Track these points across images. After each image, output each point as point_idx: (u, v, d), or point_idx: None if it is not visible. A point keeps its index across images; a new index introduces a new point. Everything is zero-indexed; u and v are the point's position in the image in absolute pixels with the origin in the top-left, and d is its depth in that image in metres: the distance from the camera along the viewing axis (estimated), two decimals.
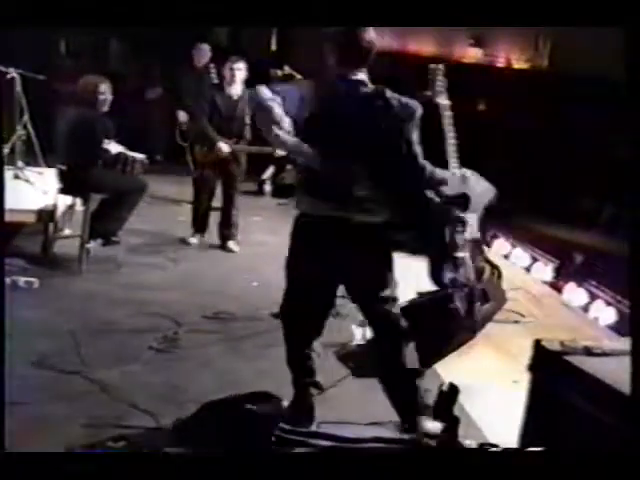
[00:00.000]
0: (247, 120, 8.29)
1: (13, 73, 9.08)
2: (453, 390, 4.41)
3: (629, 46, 3.20)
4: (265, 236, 8.74)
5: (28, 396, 4.81)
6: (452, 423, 4.31)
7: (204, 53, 10.89)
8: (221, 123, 8.33)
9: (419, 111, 4.31)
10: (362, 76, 4.38)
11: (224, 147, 8.26)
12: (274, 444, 4.19)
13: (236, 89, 8.38)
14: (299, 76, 8.77)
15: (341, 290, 5.67)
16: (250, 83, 8.32)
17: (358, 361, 5.54)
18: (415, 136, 4.31)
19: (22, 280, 6.79)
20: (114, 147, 7.55)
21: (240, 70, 8.33)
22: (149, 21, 3.58)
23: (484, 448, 3.93)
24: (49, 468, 3.18)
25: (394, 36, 12.82)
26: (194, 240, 8.63)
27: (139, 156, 7.86)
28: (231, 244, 8.47)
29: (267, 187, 11.54)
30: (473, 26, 10.16)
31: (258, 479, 3.13)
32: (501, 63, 10.33)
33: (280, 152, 7.83)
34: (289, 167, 10.91)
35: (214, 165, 8.40)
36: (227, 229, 8.50)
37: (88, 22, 3.61)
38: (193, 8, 3.53)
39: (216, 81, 9.21)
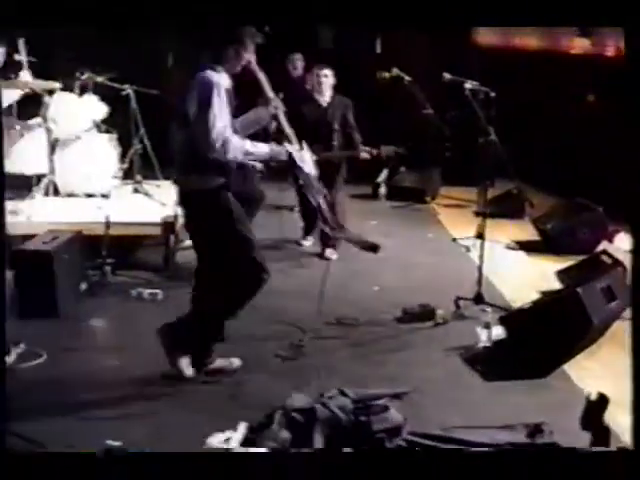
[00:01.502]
0: (336, 126, 8.32)
1: (128, 89, 9.29)
2: (602, 400, 4.27)
3: (629, 46, 3.15)
4: (381, 239, 8.71)
5: (155, 407, 4.95)
6: (602, 434, 4.18)
7: (298, 63, 10.87)
8: (309, 131, 8.35)
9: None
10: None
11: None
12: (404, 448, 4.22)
13: (325, 96, 8.43)
14: (408, 77, 8.77)
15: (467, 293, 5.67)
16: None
17: (485, 364, 5.50)
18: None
19: (147, 292, 6.94)
20: None
21: (327, 77, 8.40)
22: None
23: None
24: (49, 468, 3.23)
25: (497, 31, 12.72)
26: (307, 242, 8.77)
27: (256, 165, 7.92)
28: (328, 252, 8.34)
29: (382, 190, 11.36)
30: (470, 26, 10.05)
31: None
32: (610, 53, 10.11)
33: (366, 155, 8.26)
34: (402, 169, 10.93)
35: None
36: (326, 237, 8.46)
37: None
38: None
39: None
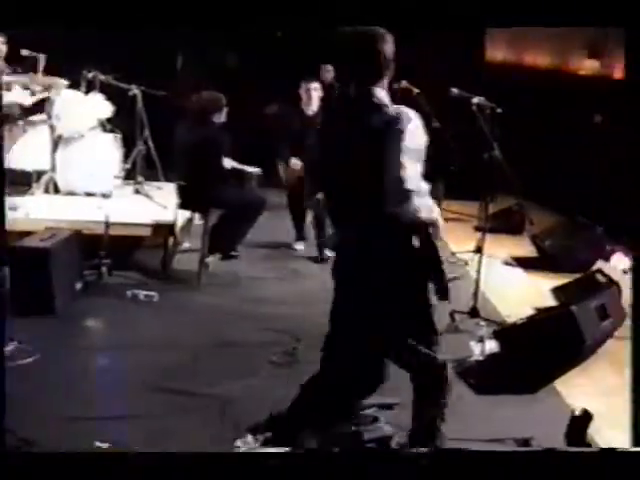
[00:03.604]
0: None
1: (135, 90, 9.31)
2: (586, 416, 4.30)
3: (629, 46, 3.16)
4: None
5: (148, 410, 4.92)
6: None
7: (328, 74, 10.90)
8: (297, 142, 8.60)
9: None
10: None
11: (296, 163, 8.68)
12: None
13: (312, 106, 8.78)
14: (416, 90, 8.77)
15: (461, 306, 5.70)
16: None
17: (478, 377, 5.50)
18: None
19: (142, 294, 6.95)
20: (227, 162, 7.66)
21: (316, 90, 8.80)
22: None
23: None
24: (49, 468, 3.23)
25: (508, 48, 12.77)
26: (299, 247, 8.89)
27: (254, 170, 7.97)
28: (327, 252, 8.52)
29: None
30: (471, 28, 10.01)
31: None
32: (618, 75, 10.13)
33: None
34: None
35: (299, 179, 8.71)
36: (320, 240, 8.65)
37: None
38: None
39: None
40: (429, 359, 4.03)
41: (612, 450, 3.85)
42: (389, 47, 3.96)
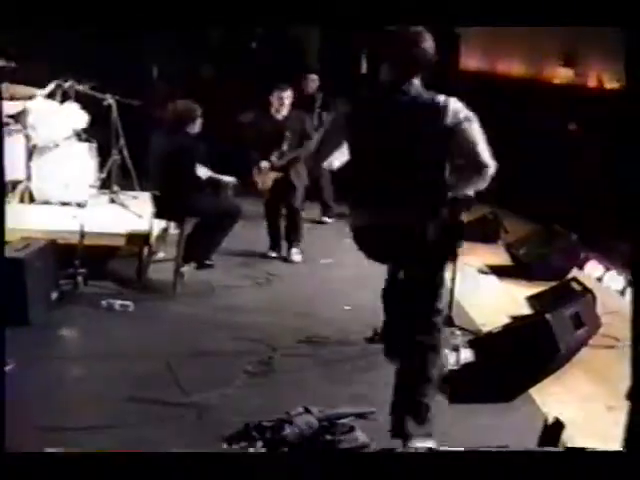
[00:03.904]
0: (288, 134, 8.85)
1: (110, 99, 9.30)
2: (558, 425, 4.31)
3: (629, 46, 3.19)
4: (357, 259, 8.73)
5: (123, 419, 4.91)
6: None
7: (313, 83, 10.97)
8: (267, 146, 8.87)
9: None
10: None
11: (263, 164, 8.85)
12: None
13: (282, 112, 8.90)
14: None
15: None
16: None
17: (453, 386, 5.51)
18: None
19: (117, 303, 6.93)
20: (203, 171, 7.65)
21: (288, 97, 8.92)
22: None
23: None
24: (49, 468, 3.23)
25: (483, 57, 12.83)
26: (273, 254, 9.03)
27: (230, 179, 7.97)
28: (293, 252, 8.87)
29: None
30: (468, 25, 10.07)
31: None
32: (592, 83, 10.19)
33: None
34: None
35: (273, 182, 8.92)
36: (289, 242, 8.97)
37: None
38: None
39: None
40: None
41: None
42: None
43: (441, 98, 4.34)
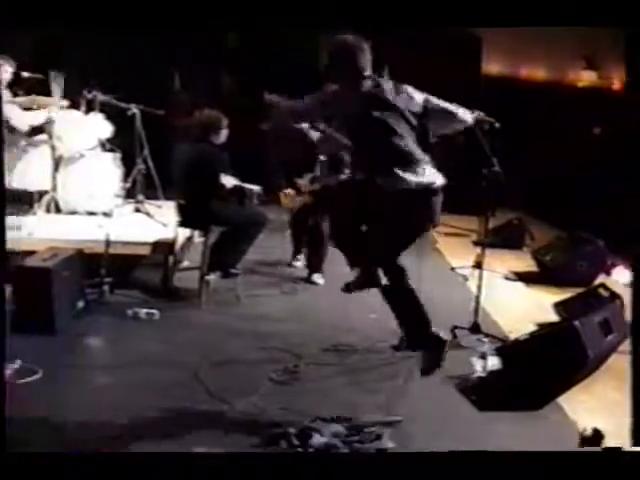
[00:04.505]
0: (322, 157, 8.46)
1: (134, 109, 9.33)
2: (597, 436, 4.26)
3: (629, 46, 3.17)
4: None
5: (150, 427, 4.92)
6: None
7: None
8: (297, 166, 8.63)
9: None
10: None
11: (289, 191, 8.50)
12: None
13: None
14: None
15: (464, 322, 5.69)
16: None
17: (480, 394, 5.49)
18: None
19: (143, 312, 6.94)
20: (229, 180, 7.64)
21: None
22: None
23: None
24: (49, 468, 3.22)
25: (505, 61, 12.80)
26: (298, 263, 8.87)
27: (255, 188, 7.96)
28: (315, 277, 8.45)
29: None
30: (471, 26, 10.06)
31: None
32: (616, 86, 10.14)
33: None
34: None
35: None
36: (310, 269, 8.55)
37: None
38: None
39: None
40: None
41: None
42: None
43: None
